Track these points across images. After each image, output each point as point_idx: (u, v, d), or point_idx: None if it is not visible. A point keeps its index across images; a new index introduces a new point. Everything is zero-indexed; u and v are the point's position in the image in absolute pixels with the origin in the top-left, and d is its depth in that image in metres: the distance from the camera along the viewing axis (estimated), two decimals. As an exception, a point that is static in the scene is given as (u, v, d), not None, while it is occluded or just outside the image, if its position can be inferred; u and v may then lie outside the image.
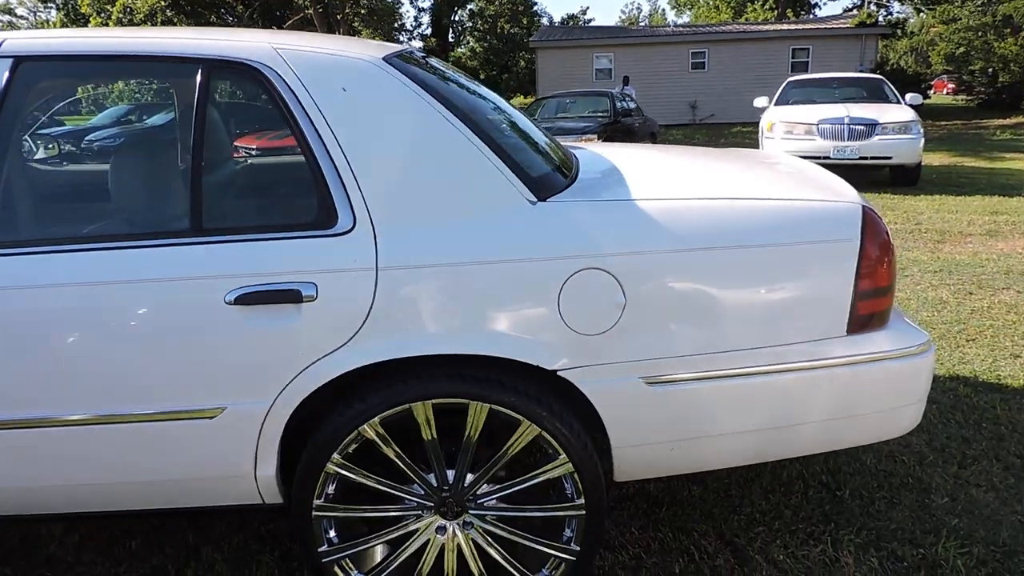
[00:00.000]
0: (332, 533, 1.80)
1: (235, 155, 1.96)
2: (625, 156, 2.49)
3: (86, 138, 2.98)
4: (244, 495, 1.80)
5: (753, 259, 1.73)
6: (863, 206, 1.83)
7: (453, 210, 1.70)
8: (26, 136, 2.20)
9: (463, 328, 1.66)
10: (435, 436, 1.73)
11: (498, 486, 1.80)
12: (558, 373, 1.71)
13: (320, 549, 1.78)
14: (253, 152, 2.06)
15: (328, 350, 1.66)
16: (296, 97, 1.71)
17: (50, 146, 2.59)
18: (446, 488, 1.77)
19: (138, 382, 1.66)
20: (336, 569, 1.80)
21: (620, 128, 11.02)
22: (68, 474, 1.73)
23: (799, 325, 1.76)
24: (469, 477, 1.77)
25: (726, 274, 1.73)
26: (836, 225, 1.79)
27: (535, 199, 1.73)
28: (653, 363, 1.72)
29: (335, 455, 1.72)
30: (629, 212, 1.75)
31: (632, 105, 12.40)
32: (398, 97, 1.73)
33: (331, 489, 1.76)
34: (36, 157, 2.25)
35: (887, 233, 1.83)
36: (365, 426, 1.70)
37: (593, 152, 2.53)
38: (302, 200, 1.74)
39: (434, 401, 1.69)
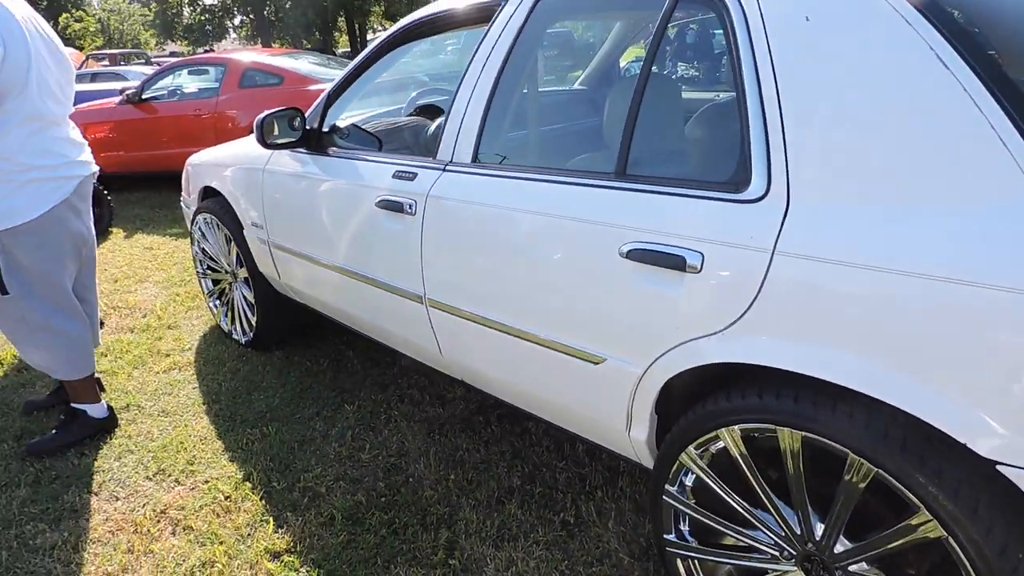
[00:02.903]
0: (684, 527, 1.62)
1: (676, 95, 1.78)
2: None
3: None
4: (622, 448, 1.77)
5: None
6: None
7: (904, 193, 1.20)
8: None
9: (862, 357, 1.21)
10: (801, 473, 1.35)
11: (879, 572, 1.32)
12: (998, 466, 1.10)
13: (666, 536, 1.63)
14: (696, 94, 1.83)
15: (700, 333, 1.43)
16: (748, 27, 1.43)
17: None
18: (811, 542, 1.38)
19: (546, 309, 1.75)
20: (679, 563, 1.63)
21: None
22: (481, 360, 2.00)
23: None
24: (844, 544, 1.34)
25: None
26: None
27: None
28: None
29: (690, 448, 1.51)
30: None
31: None
32: (874, 28, 1.28)
33: (688, 481, 1.58)
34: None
35: None
36: (724, 431, 1.44)
37: None
38: (722, 155, 1.49)
39: (804, 435, 1.31)
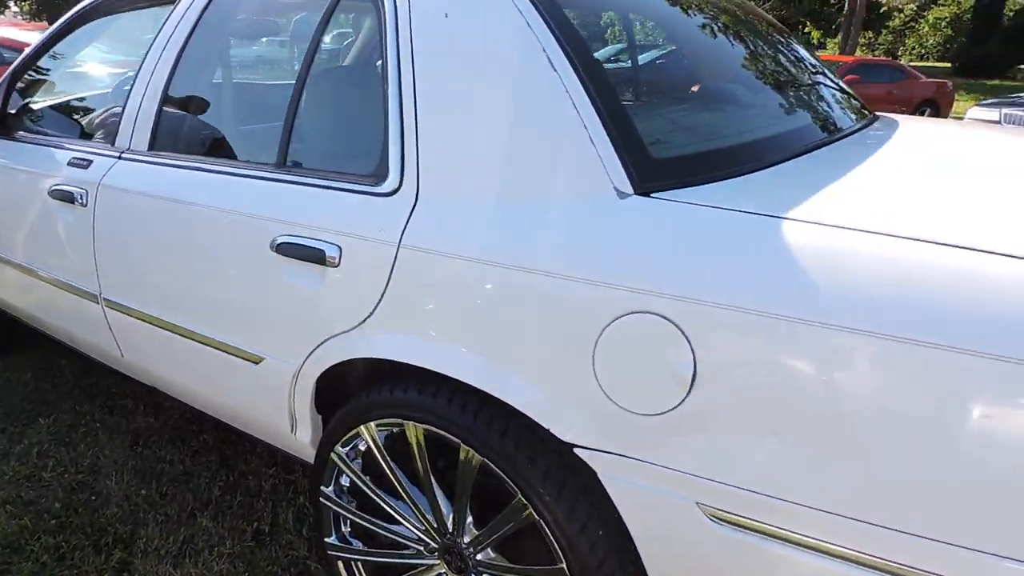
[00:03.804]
0: (346, 529, 1.59)
1: (334, 89, 1.77)
2: (936, 146, 1.58)
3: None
4: (296, 451, 1.71)
5: (957, 371, 0.89)
6: None
7: (509, 188, 1.24)
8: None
9: (464, 348, 1.23)
10: (428, 467, 1.36)
11: (502, 563, 1.35)
12: (575, 449, 1.16)
13: (327, 539, 1.59)
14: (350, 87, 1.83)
15: (341, 329, 1.40)
16: (397, 23, 1.42)
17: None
18: (448, 533, 1.40)
19: (209, 307, 1.65)
20: (340, 566, 1.59)
21: None
22: (158, 363, 1.88)
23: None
24: (471, 532, 1.36)
25: (908, 387, 0.93)
26: None
27: (630, 190, 1.16)
28: (726, 491, 1.05)
29: (338, 446, 1.48)
30: (758, 236, 1.05)
31: None
32: (501, 28, 1.31)
33: (345, 481, 1.54)
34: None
35: None
36: (363, 427, 1.42)
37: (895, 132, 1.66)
38: (368, 148, 1.47)
39: (426, 427, 1.32)
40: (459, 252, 1.23)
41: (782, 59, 1.76)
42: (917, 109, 11.17)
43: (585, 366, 1.12)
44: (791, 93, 1.65)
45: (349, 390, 1.57)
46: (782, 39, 1.91)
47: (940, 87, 11.56)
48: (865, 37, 33.02)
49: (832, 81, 1.91)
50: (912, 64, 29.11)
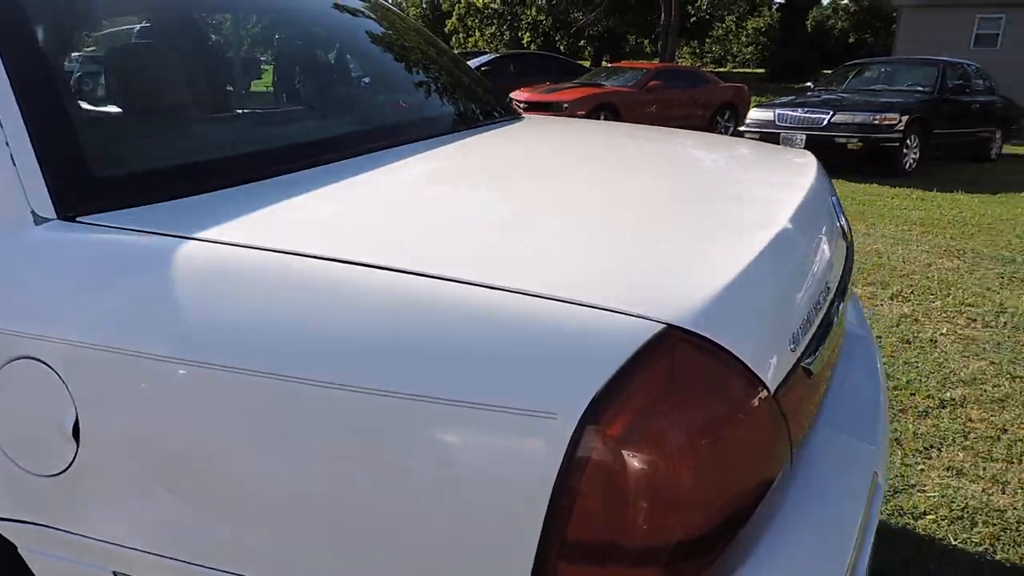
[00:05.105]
0: None
1: None
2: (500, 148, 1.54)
3: None
4: None
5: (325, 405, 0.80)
6: (669, 331, 0.75)
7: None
8: None
9: None
10: None
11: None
12: (-15, 525, 0.99)
13: None
14: None
15: None
16: None
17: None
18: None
19: None
20: None
21: (950, 109, 8.59)
22: None
23: None
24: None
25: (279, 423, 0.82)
26: (543, 370, 0.75)
27: (52, 215, 1.00)
28: (136, 557, 0.91)
29: None
30: (145, 260, 0.92)
31: (981, 82, 9.54)
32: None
33: None
34: None
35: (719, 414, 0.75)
36: None
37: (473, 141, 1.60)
38: None
39: None
40: None
41: (361, 62, 1.66)
42: (717, 112, 11.89)
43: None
44: (353, 99, 1.55)
45: None
46: (395, 39, 1.81)
47: (737, 91, 12.37)
48: (691, 46, 35.11)
49: (453, 85, 1.84)
50: (733, 71, 31.29)
